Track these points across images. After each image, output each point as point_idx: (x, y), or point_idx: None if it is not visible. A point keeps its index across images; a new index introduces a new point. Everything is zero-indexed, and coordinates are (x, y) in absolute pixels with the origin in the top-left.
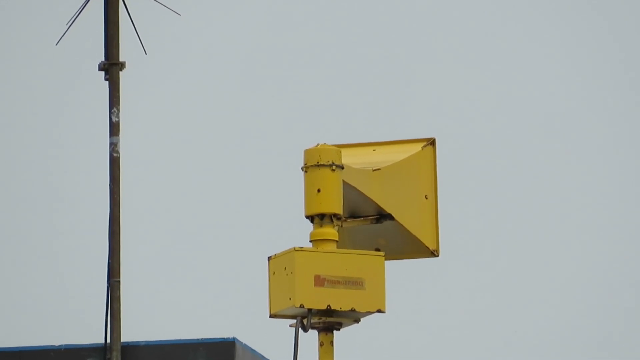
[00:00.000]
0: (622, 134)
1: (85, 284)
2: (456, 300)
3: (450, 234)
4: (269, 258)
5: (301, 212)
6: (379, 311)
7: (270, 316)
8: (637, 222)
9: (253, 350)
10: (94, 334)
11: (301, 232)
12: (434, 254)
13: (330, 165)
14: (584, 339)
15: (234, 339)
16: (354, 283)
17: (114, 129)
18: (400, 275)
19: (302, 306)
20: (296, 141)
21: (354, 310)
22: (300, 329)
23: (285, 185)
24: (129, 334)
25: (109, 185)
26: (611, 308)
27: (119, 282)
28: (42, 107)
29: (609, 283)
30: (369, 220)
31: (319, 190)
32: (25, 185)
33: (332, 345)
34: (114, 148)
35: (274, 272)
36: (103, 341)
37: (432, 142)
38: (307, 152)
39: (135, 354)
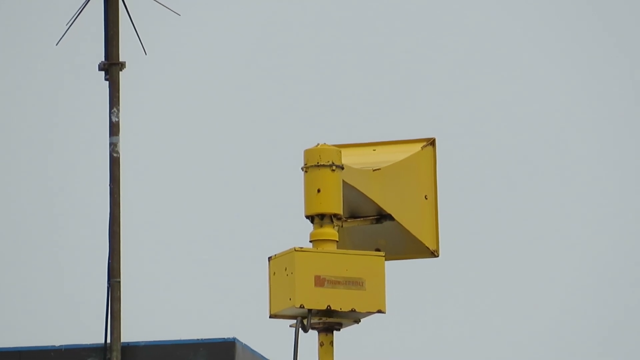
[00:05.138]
0: (622, 135)
1: (85, 284)
2: (456, 300)
3: (450, 234)
4: (269, 258)
5: (301, 212)
6: (379, 311)
7: (271, 316)
8: (638, 222)
9: (253, 350)
10: (94, 334)
11: (301, 232)
12: (434, 254)
13: (330, 166)
14: (584, 338)
15: (234, 339)
16: (354, 283)
17: (114, 129)
18: (400, 275)
19: (302, 306)
20: (296, 141)
21: (354, 310)
22: (300, 329)
23: (285, 185)
24: (129, 334)
25: (109, 185)
26: (612, 308)
27: (119, 282)
28: (42, 107)
29: (610, 283)
30: (369, 220)
31: (319, 191)
32: (25, 185)
33: (332, 345)
34: (113, 148)
35: (274, 273)
36: (103, 341)
37: (432, 142)
38: (307, 152)
39: (135, 354)
